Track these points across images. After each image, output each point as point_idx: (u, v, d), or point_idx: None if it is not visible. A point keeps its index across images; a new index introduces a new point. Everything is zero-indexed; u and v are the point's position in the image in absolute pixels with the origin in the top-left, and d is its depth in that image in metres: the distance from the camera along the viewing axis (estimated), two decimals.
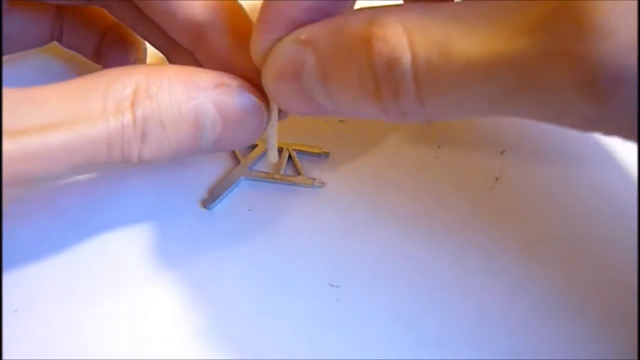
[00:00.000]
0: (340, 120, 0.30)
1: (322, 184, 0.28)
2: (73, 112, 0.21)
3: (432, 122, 0.29)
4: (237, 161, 0.29)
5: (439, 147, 0.30)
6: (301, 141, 0.30)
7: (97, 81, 0.22)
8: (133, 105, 0.22)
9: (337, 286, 0.26)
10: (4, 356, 0.23)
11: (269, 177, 0.28)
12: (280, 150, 0.28)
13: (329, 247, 0.27)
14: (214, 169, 0.29)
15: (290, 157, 0.29)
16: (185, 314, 0.25)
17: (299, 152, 0.29)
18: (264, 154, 0.29)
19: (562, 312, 0.25)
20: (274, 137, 0.26)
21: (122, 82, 0.22)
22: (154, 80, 0.23)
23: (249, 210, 0.28)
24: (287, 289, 0.26)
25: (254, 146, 0.29)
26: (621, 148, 0.30)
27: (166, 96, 0.23)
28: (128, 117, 0.22)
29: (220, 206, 0.28)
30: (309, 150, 0.29)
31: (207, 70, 0.24)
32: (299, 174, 0.29)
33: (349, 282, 0.26)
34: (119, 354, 0.24)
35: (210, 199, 0.28)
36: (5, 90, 0.21)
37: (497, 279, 0.26)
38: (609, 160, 0.29)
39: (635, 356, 0.24)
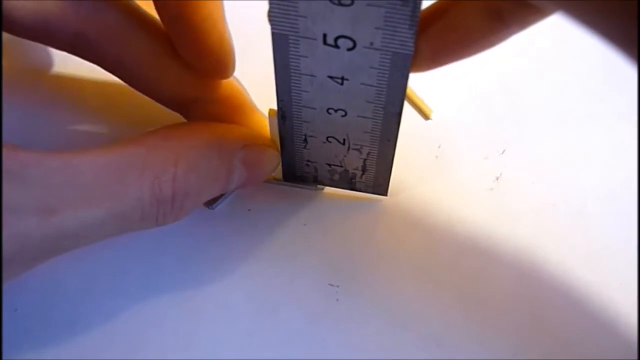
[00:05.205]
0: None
1: (323, 186, 0.28)
2: (109, 189, 0.21)
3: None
4: None
5: (439, 147, 0.30)
6: None
7: (136, 154, 0.22)
8: (175, 180, 0.23)
9: (337, 286, 0.26)
10: (4, 356, 0.23)
11: (271, 179, 0.28)
12: None
13: (329, 247, 0.27)
14: None
15: None
16: (185, 313, 0.25)
17: None
18: None
19: (562, 311, 0.25)
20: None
21: (162, 157, 0.23)
22: (193, 153, 0.23)
23: (249, 210, 0.28)
24: (287, 289, 0.26)
25: None
26: (621, 148, 0.30)
27: (205, 168, 0.24)
28: (167, 194, 0.23)
29: (222, 206, 0.28)
30: None
31: (236, 129, 0.26)
32: None
33: (349, 282, 0.26)
34: (118, 353, 0.24)
35: (213, 199, 0.28)
36: (41, 156, 0.21)
37: (496, 278, 0.26)
38: (608, 160, 0.29)
39: (636, 356, 0.24)
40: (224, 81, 0.26)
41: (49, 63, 0.32)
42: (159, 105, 0.28)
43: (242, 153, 0.25)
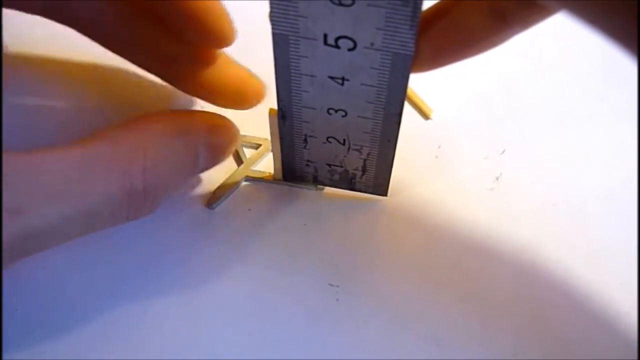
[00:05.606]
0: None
1: (323, 186, 0.28)
2: (75, 186, 0.21)
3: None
4: (240, 161, 0.29)
5: (439, 147, 0.30)
6: None
7: (101, 149, 0.22)
8: (144, 172, 0.23)
9: (337, 286, 0.26)
10: (4, 356, 0.23)
11: (271, 179, 0.28)
12: None
13: (329, 247, 0.27)
14: (217, 169, 0.29)
15: None
16: (186, 313, 0.25)
17: None
18: (267, 154, 0.29)
19: (562, 311, 0.25)
20: (278, 163, 0.27)
21: (129, 150, 0.23)
22: (160, 143, 0.23)
23: (249, 210, 0.28)
24: (287, 289, 0.26)
25: (257, 146, 0.30)
26: (621, 148, 0.30)
27: (172, 157, 0.24)
28: (138, 187, 0.23)
29: (222, 206, 0.28)
30: None
31: (197, 115, 0.26)
32: None
33: (349, 282, 0.26)
34: (118, 354, 0.24)
35: (213, 199, 0.28)
36: (6, 155, 0.20)
37: (496, 278, 0.26)
38: (608, 160, 0.29)
39: (636, 356, 0.24)
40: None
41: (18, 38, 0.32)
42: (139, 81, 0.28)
43: (205, 137, 0.25)
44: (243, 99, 0.27)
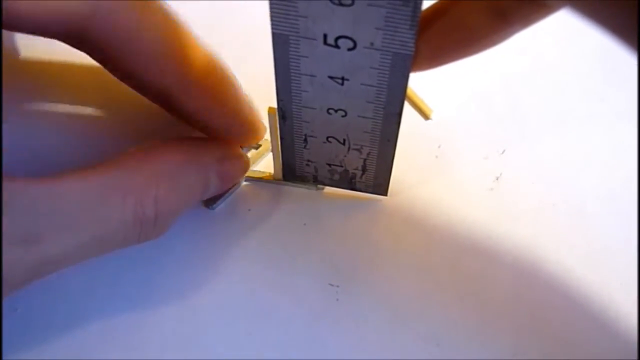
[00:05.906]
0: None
1: (323, 186, 0.28)
2: (92, 214, 0.22)
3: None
4: None
5: (439, 147, 0.30)
6: None
7: (117, 178, 0.23)
8: (157, 201, 0.23)
9: (337, 286, 0.26)
10: (4, 356, 0.23)
11: (271, 179, 0.28)
12: None
13: (329, 247, 0.27)
14: None
15: None
16: (186, 313, 0.25)
17: None
18: (267, 154, 0.29)
19: (562, 311, 0.25)
20: (278, 163, 0.27)
21: (143, 180, 0.23)
22: (172, 173, 0.24)
23: (249, 210, 0.28)
24: (287, 289, 0.26)
25: (257, 146, 0.30)
26: (621, 148, 0.30)
27: (184, 186, 0.25)
28: (150, 215, 0.23)
29: (222, 206, 0.28)
30: None
31: (209, 144, 0.26)
32: None
33: (349, 282, 0.26)
34: (118, 353, 0.24)
35: (213, 199, 0.28)
36: (25, 183, 0.21)
37: (496, 278, 0.26)
38: (608, 160, 0.29)
39: (636, 356, 0.24)
40: (207, 71, 0.26)
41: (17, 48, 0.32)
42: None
43: (217, 166, 0.26)
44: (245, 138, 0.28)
